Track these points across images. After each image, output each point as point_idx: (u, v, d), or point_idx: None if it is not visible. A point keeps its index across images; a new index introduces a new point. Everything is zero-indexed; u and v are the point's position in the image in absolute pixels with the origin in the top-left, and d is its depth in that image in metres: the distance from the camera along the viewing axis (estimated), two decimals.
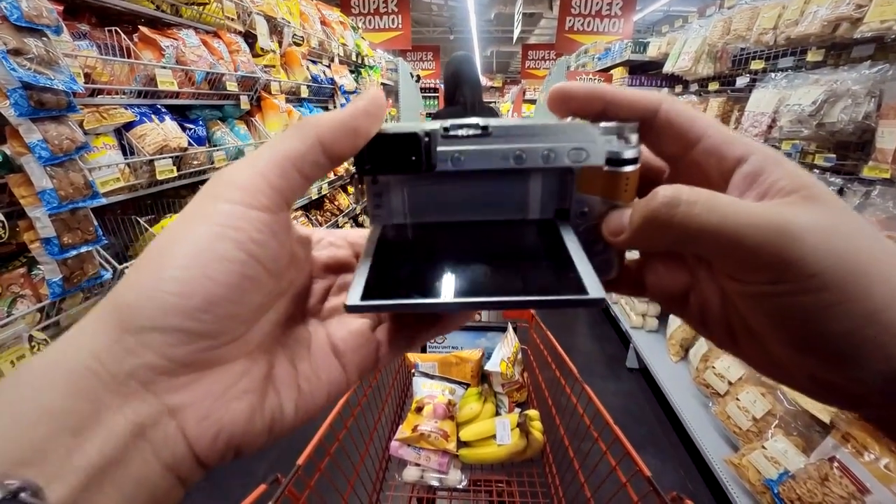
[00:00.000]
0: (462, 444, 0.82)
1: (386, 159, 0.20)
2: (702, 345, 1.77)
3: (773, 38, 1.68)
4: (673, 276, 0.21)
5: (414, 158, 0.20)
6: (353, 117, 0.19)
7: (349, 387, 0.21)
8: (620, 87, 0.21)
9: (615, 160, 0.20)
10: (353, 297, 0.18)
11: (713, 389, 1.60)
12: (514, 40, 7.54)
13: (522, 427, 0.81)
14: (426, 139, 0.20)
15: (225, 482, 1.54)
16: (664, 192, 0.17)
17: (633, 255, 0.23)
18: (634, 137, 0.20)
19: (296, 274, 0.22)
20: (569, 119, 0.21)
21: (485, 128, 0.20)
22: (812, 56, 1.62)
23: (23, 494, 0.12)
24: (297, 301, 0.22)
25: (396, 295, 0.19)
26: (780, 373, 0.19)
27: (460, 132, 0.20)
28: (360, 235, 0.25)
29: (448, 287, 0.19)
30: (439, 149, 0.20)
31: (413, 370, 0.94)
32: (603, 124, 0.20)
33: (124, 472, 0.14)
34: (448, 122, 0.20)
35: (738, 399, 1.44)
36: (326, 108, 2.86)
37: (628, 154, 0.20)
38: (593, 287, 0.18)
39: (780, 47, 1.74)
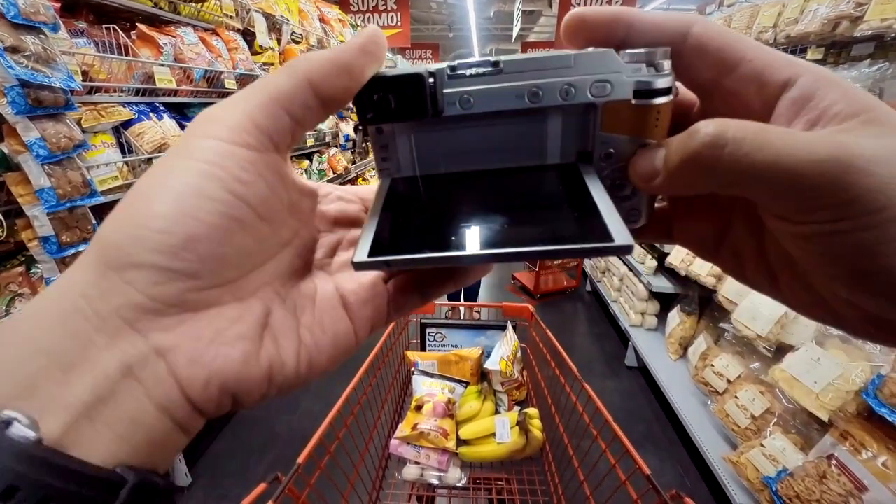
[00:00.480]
0: (462, 442, 0.83)
1: (388, 105, 0.18)
2: (700, 343, 1.77)
3: (773, 37, 1.68)
4: (705, 220, 0.20)
5: (419, 102, 0.18)
6: (345, 53, 0.17)
7: (357, 341, 0.20)
8: (645, 11, 0.18)
9: (645, 91, 0.18)
10: (361, 253, 0.17)
11: (712, 387, 1.60)
12: (514, 38, 7.52)
13: (522, 425, 0.81)
14: (431, 80, 0.18)
15: (225, 481, 1.54)
16: (706, 130, 0.15)
17: (659, 199, 0.21)
18: (667, 64, 0.17)
19: (299, 225, 0.20)
20: (589, 49, 0.18)
21: (496, 63, 0.18)
22: (812, 54, 1.62)
23: (17, 424, 0.12)
24: (303, 254, 0.21)
25: (407, 249, 0.17)
26: (828, 314, 0.17)
27: (469, 71, 0.18)
28: (371, 191, 0.24)
29: (462, 239, 0.17)
30: (446, 91, 0.19)
31: (413, 369, 0.94)
32: (629, 51, 0.18)
33: (116, 411, 0.14)
34: (455, 61, 0.19)
35: (736, 397, 1.45)
36: None
37: (660, 84, 0.17)
38: (619, 233, 0.16)
39: (781, 45, 1.74)
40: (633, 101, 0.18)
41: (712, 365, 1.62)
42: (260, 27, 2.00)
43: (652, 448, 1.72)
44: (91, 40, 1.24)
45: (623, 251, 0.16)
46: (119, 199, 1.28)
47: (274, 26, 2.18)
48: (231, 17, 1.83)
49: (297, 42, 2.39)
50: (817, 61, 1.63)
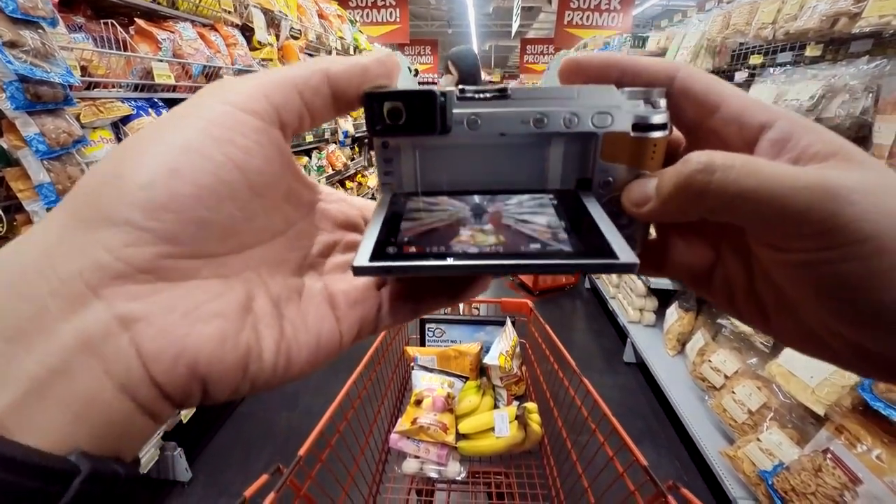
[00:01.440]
0: (461, 436, 0.83)
1: (399, 117, 0.19)
2: (698, 339, 1.78)
3: (772, 33, 1.67)
4: (695, 252, 0.20)
5: (429, 117, 0.19)
6: (363, 57, 0.18)
7: (342, 344, 0.19)
8: (635, 56, 0.20)
9: (643, 125, 0.19)
10: (361, 257, 0.17)
11: (709, 383, 1.61)
12: (513, 34, 7.50)
13: (521, 419, 0.81)
14: (442, 98, 0.19)
15: (225, 477, 1.55)
16: (697, 158, 0.15)
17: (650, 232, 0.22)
18: (663, 102, 0.19)
19: (296, 216, 0.20)
20: (591, 85, 0.20)
21: (503, 90, 0.19)
22: (810, 51, 1.62)
23: None
24: (296, 247, 0.20)
25: (409, 256, 0.17)
26: (817, 347, 0.17)
27: (478, 94, 0.19)
28: (370, 205, 0.24)
29: (464, 250, 0.18)
30: (455, 110, 0.19)
31: (412, 364, 0.94)
32: (628, 89, 0.19)
33: (70, 388, 0.12)
34: (463, 86, 0.19)
35: (733, 392, 1.46)
36: None
37: (657, 119, 0.19)
38: (623, 251, 0.16)
39: (779, 42, 1.74)
40: (632, 134, 0.19)
41: (710, 360, 1.63)
42: (258, 23, 1.99)
43: (650, 443, 1.73)
44: (89, 35, 1.24)
45: (627, 269, 0.16)
46: None
47: (272, 22, 2.18)
48: (229, 12, 1.83)
49: (295, 38, 2.38)
50: (816, 58, 1.63)
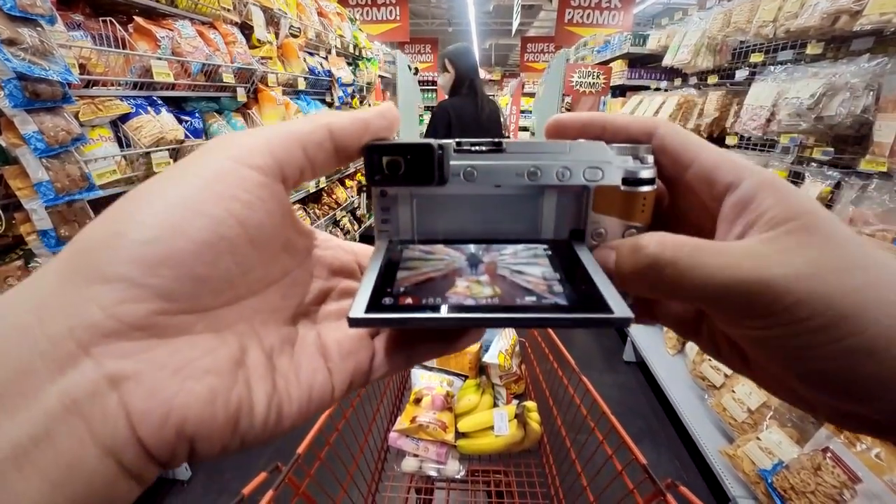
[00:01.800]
0: (460, 434, 0.83)
1: (398, 169, 0.20)
2: None
3: (773, 31, 1.67)
4: (681, 306, 0.21)
5: (427, 169, 0.20)
6: (363, 112, 0.19)
7: (334, 397, 0.18)
8: (616, 114, 0.21)
9: (632, 180, 0.20)
10: (358, 308, 0.17)
11: (709, 382, 1.61)
12: (513, 33, 7.48)
13: (520, 418, 0.81)
14: (439, 151, 0.20)
15: (224, 475, 1.55)
16: (647, 251, 0.17)
17: None
18: (650, 158, 0.20)
19: (290, 263, 0.20)
20: (581, 140, 0.21)
21: (498, 143, 0.20)
22: (811, 49, 1.61)
23: None
24: (290, 296, 0.20)
25: (405, 308, 0.17)
26: (798, 401, 0.18)
27: (474, 147, 0.20)
28: (369, 250, 0.24)
29: (461, 302, 0.18)
30: (452, 162, 0.20)
31: None
32: (618, 145, 0.20)
33: (51, 454, 0.12)
34: (459, 139, 0.20)
35: (733, 391, 1.46)
36: (324, 101, 2.83)
37: (645, 174, 0.20)
38: (617, 305, 0.17)
39: (780, 40, 1.73)
40: (622, 188, 0.20)
41: (710, 359, 1.62)
42: (258, 21, 1.99)
43: (650, 442, 1.73)
44: (88, 33, 1.23)
45: (622, 323, 0.17)
46: (117, 193, 1.28)
47: (272, 20, 2.17)
48: (229, 10, 1.82)
49: (295, 36, 2.37)
50: (816, 56, 1.62)
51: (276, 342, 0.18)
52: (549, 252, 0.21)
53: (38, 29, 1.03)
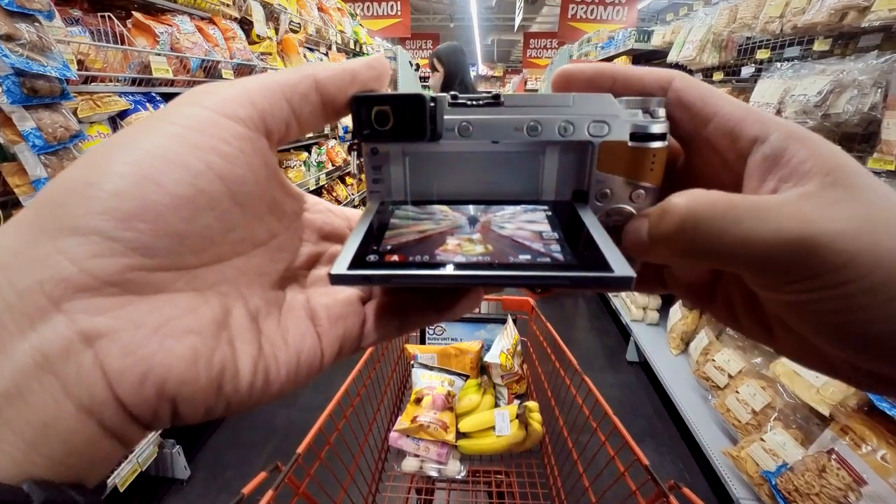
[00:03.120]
0: (461, 435, 0.82)
1: (387, 121, 0.18)
2: (702, 338, 1.77)
3: (780, 27, 1.65)
4: (697, 272, 0.20)
5: (418, 123, 0.18)
6: (352, 63, 0.18)
7: (323, 362, 0.18)
8: (628, 66, 0.20)
9: (641, 135, 0.18)
10: (340, 265, 0.16)
11: (713, 382, 1.60)
12: (516, 28, 7.45)
13: (521, 418, 0.81)
14: (432, 104, 0.18)
15: (224, 474, 1.55)
16: (676, 210, 0.15)
17: None
18: (662, 111, 0.18)
19: (279, 227, 0.19)
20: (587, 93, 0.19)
21: (496, 97, 0.19)
22: (819, 45, 1.59)
23: None
24: (278, 260, 0.19)
25: (390, 265, 0.16)
26: (823, 365, 0.17)
27: (470, 101, 0.19)
28: (359, 214, 0.23)
29: (451, 259, 0.17)
30: (446, 116, 0.19)
31: (412, 361, 0.93)
32: (626, 97, 0.18)
33: (25, 412, 0.11)
34: (455, 92, 0.19)
35: (737, 392, 1.45)
36: None
37: (656, 129, 0.18)
38: (619, 264, 0.15)
39: (787, 36, 1.71)
40: (630, 144, 0.19)
41: (713, 360, 1.61)
42: (257, 16, 1.97)
43: (652, 443, 1.72)
44: (86, 29, 1.22)
45: (621, 283, 0.15)
46: None
47: (272, 15, 2.16)
48: (228, 5, 1.81)
49: (295, 31, 2.36)
50: (824, 53, 1.60)
51: (262, 305, 0.17)
52: (550, 213, 0.20)
53: (36, 24, 1.02)
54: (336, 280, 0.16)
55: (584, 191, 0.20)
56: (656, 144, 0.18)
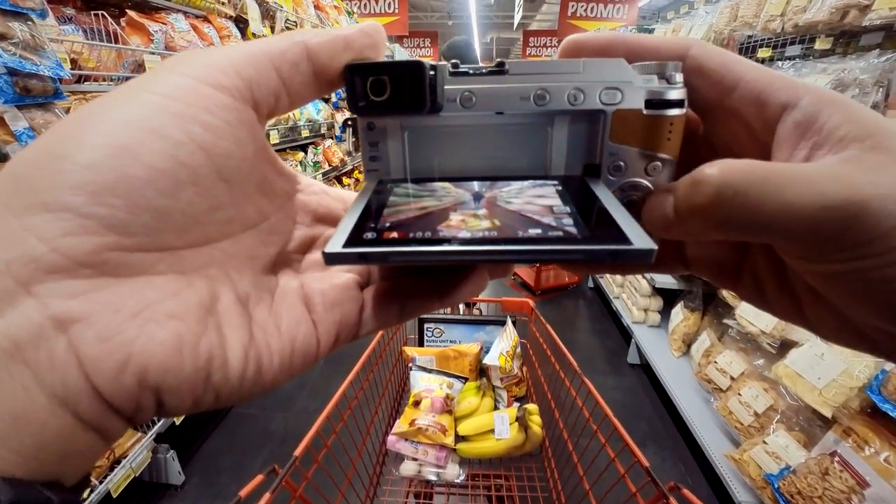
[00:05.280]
0: (460, 438, 0.82)
1: (383, 92, 0.17)
2: (704, 339, 1.76)
3: (781, 26, 1.64)
4: (721, 246, 0.19)
5: (417, 93, 0.17)
6: (345, 29, 0.16)
7: (319, 352, 0.17)
8: (642, 34, 0.18)
9: (657, 102, 0.17)
10: (335, 243, 0.15)
11: (715, 384, 1.59)
12: (515, 26, 7.44)
13: (521, 421, 0.80)
14: (432, 72, 0.17)
15: (219, 479, 1.54)
16: (710, 181, 0.14)
17: None
18: (679, 77, 0.17)
19: (269, 207, 0.18)
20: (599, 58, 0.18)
21: (501, 64, 0.17)
22: (820, 44, 1.59)
23: None
24: (270, 243, 0.18)
25: (388, 242, 0.15)
26: (860, 340, 0.16)
27: (472, 69, 0.17)
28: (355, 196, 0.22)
29: (454, 235, 0.16)
30: (447, 86, 0.17)
31: (411, 364, 0.92)
32: (639, 63, 0.17)
33: None
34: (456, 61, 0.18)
35: (739, 394, 1.43)
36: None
37: (673, 95, 0.17)
38: (638, 236, 0.14)
39: (788, 35, 1.70)
40: (645, 112, 0.17)
41: (716, 362, 1.60)
42: (253, 14, 1.96)
43: (654, 446, 1.71)
44: (79, 27, 1.21)
45: (642, 256, 0.14)
46: None
47: (267, 13, 2.14)
48: (223, 3, 1.80)
49: (290, 29, 2.34)
50: (825, 51, 1.60)
51: (252, 290, 0.16)
52: (560, 188, 0.19)
53: (29, 23, 1.01)
54: (331, 259, 0.15)
55: (596, 164, 0.19)
56: (674, 112, 0.17)
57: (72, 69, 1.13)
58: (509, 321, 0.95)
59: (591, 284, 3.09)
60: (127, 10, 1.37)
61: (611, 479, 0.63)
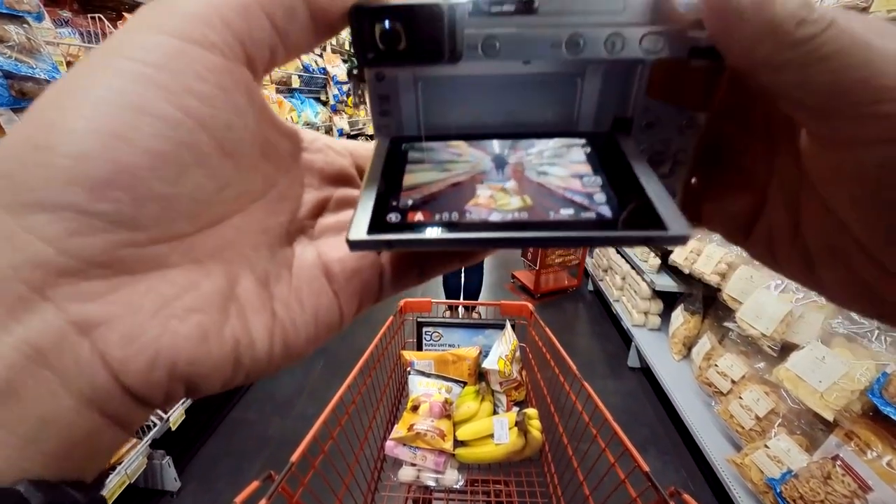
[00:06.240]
0: (459, 443, 0.81)
1: (396, 41, 0.15)
2: (704, 343, 1.75)
3: None
4: (738, 196, 0.18)
5: (435, 41, 0.15)
6: None
7: (343, 321, 0.17)
8: None
9: (706, 50, 0.15)
10: (358, 230, 0.14)
11: (716, 388, 1.58)
12: None
13: (521, 426, 0.79)
14: (450, 15, 0.15)
15: (215, 485, 1.52)
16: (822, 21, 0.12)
17: None
18: None
19: (275, 173, 0.17)
20: None
21: (529, 1, 0.15)
22: None
23: None
24: (280, 212, 0.17)
25: (415, 227, 0.14)
26: (873, 304, 0.15)
27: (494, 7, 0.15)
28: (365, 148, 0.20)
29: (486, 217, 0.15)
30: (466, 31, 0.15)
31: (409, 368, 0.91)
32: (686, 1, 0.15)
33: (17, 409, 0.10)
34: None
35: (740, 398, 1.42)
36: (318, 99, 2.82)
37: None
38: (674, 220, 0.14)
39: None
40: (692, 62, 0.15)
41: (716, 365, 1.59)
42: None
43: (655, 451, 1.70)
44: (76, 30, 1.22)
45: (677, 242, 0.13)
46: None
47: None
48: None
49: None
50: None
51: (270, 267, 0.16)
52: (589, 149, 0.17)
53: (25, 26, 1.01)
54: (355, 246, 0.14)
55: (627, 119, 0.17)
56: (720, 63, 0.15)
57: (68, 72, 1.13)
58: (508, 325, 0.95)
59: (590, 287, 3.09)
60: (124, 13, 1.38)
61: (611, 485, 0.62)
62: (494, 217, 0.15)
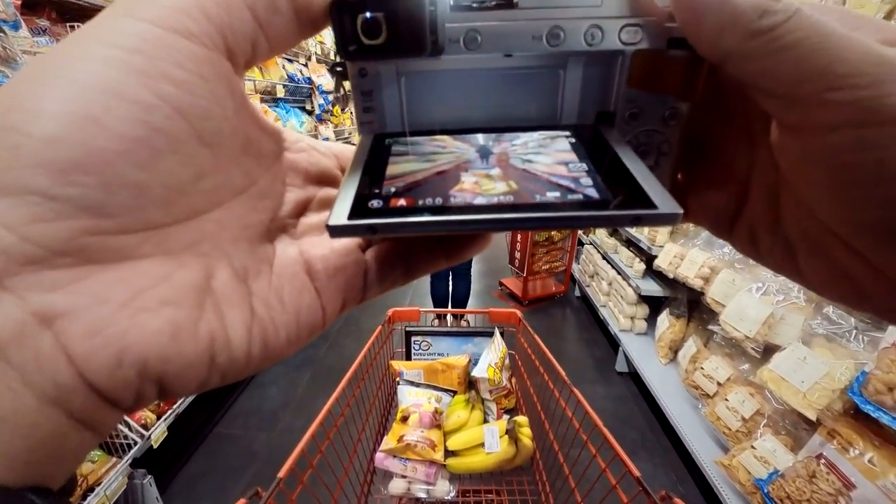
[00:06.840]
0: (450, 453, 0.80)
1: (377, 33, 0.15)
2: (690, 346, 1.78)
3: None
4: (722, 192, 0.18)
5: (416, 34, 0.15)
6: None
7: (325, 319, 0.16)
8: None
9: (682, 41, 0.15)
10: (339, 215, 0.14)
11: (702, 391, 1.60)
12: None
13: (511, 434, 0.79)
14: (431, 8, 0.15)
15: (199, 503, 1.47)
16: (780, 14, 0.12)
17: None
18: None
19: (256, 169, 0.16)
20: None
21: None
22: None
23: None
24: (261, 209, 0.17)
25: (398, 212, 0.14)
26: (851, 290, 0.15)
27: (475, 3, 0.16)
28: (350, 150, 0.20)
29: (466, 201, 0.14)
30: (448, 24, 0.16)
31: (398, 378, 0.90)
32: None
33: None
34: None
35: (726, 400, 1.45)
36: (304, 109, 2.81)
37: None
38: (662, 199, 0.14)
39: None
40: (670, 52, 0.16)
41: (702, 368, 1.62)
42: None
43: (645, 455, 1.71)
44: (54, 39, 1.19)
45: (667, 220, 0.14)
46: None
47: None
48: None
49: None
50: None
51: (249, 263, 0.15)
52: (573, 140, 0.17)
53: (1, 35, 0.99)
54: (336, 232, 0.14)
55: (610, 112, 0.18)
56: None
57: None
58: (497, 332, 0.95)
59: (577, 293, 3.11)
60: None
61: (602, 490, 0.62)
62: (479, 201, 0.15)
